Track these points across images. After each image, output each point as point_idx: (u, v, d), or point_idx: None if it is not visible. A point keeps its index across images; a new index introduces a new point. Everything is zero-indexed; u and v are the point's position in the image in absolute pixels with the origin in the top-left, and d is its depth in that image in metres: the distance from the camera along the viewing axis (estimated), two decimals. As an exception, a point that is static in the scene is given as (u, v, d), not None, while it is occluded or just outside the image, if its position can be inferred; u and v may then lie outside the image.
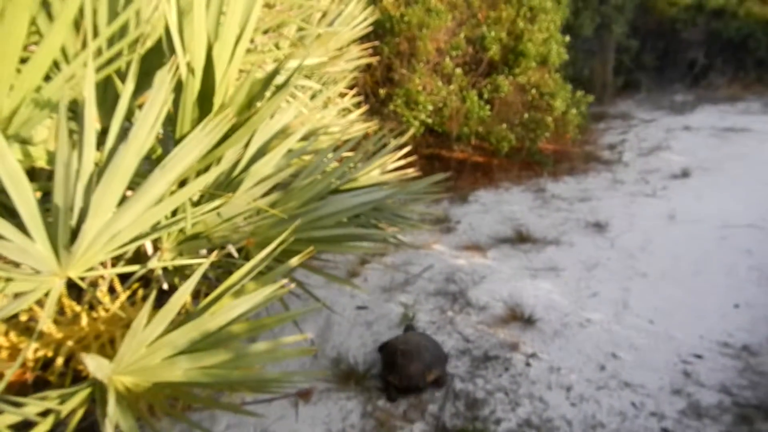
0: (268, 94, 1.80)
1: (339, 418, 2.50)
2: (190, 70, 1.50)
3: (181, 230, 1.89)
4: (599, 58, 9.43)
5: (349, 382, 2.68)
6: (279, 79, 3.19)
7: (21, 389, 1.90)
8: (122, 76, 1.65)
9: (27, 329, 1.89)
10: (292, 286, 1.53)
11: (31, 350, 1.84)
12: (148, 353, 1.50)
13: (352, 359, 2.87)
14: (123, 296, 1.95)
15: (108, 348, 1.93)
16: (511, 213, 5.01)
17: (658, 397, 2.48)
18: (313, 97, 3.38)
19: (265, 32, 3.10)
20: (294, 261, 1.77)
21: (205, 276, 2.04)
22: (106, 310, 1.96)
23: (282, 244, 1.72)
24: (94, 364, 1.33)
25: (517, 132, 5.87)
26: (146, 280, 2.06)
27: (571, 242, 4.25)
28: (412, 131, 4.89)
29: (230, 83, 1.66)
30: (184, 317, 1.61)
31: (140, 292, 2.02)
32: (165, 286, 2.05)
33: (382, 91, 5.60)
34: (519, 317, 3.13)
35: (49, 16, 1.58)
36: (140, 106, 2.04)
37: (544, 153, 6.39)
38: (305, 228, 2.23)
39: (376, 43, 5.07)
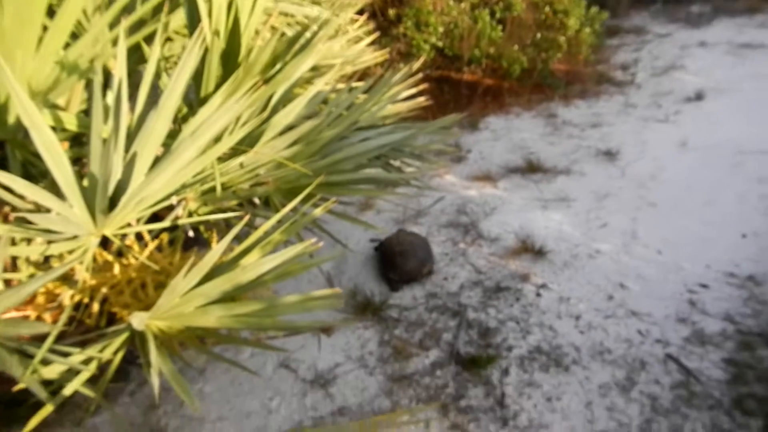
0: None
1: (358, 346, 2.64)
2: (215, 32, 1.49)
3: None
4: (615, -31, 9.01)
5: (366, 313, 2.81)
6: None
7: (60, 334, 2.02)
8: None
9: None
10: (321, 244, 1.58)
11: (68, 296, 1.93)
12: (182, 302, 1.58)
13: (368, 291, 2.98)
14: (151, 245, 2.02)
15: (140, 292, 2.02)
16: (521, 141, 4.99)
17: (663, 325, 2.59)
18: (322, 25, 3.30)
19: None
20: (318, 211, 1.83)
21: (227, 224, 2.10)
22: (136, 258, 2.04)
23: (308, 198, 1.77)
24: (137, 320, 1.41)
25: (529, 53, 5.73)
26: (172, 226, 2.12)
27: (582, 171, 4.27)
28: (422, 59, 4.80)
29: (251, 36, 1.64)
30: (215, 268, 1.68)
31: (166, 238, 2.09)
32: (191, 233, 2.12)
33: (391, 12, 5.43)
34: (530, 249, 3.22)
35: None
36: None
37: (555, 75, 6.26)
38: (325, 172, 2.27)
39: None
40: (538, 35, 5.70)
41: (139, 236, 2.03)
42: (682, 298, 2.77)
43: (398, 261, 3.05)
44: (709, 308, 2.67)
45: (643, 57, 7.40)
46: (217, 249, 1.48)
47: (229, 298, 1.67)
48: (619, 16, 9.26)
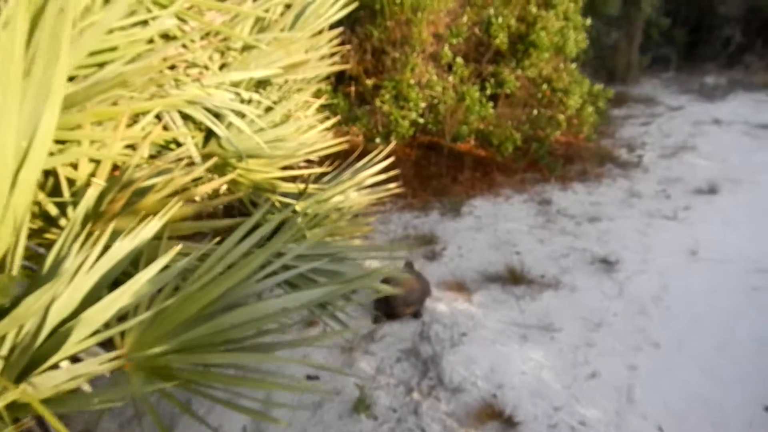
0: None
1: None
2: None
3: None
4: (625, 34, 8.53)
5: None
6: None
7: None
8: None
9: None
10: None
11: None
12: None
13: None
14: None
15: None
16: (507, 234, 4.37)
17: None
18: (268, 110, 2.73)
19: (206, 36, 2.44)
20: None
21: None
22: None
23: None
24: None
25: (524, 130, 5.16)
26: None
27: (573, 285, 3.63)
28: (403, 137, 4.24)
29: (21, 223, 1.05)
30: None
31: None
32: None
33: (368, 82, 4.89)
34: (497, 414, 2.55)
35: None
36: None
37: (553, 153, 5.68)
38: (205, 341, 1.68)
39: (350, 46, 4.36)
40: (535, 112, 5.14)
41: None
42: None
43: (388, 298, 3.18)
44: None
45: (651, 132, 6.85)
46: None
47: None
48: (628, 83, 8.77)
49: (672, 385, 2.74)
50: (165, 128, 2.44)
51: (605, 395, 2.68)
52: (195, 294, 1.68)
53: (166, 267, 1.51)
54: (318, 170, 2.90)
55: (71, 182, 1.84)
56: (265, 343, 1.82)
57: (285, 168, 2.84)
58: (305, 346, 1.89)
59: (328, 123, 3.04)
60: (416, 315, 3.35)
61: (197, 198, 2.08)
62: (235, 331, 1.70)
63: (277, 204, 2.75)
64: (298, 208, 2.73)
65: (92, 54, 1.89)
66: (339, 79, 5.27)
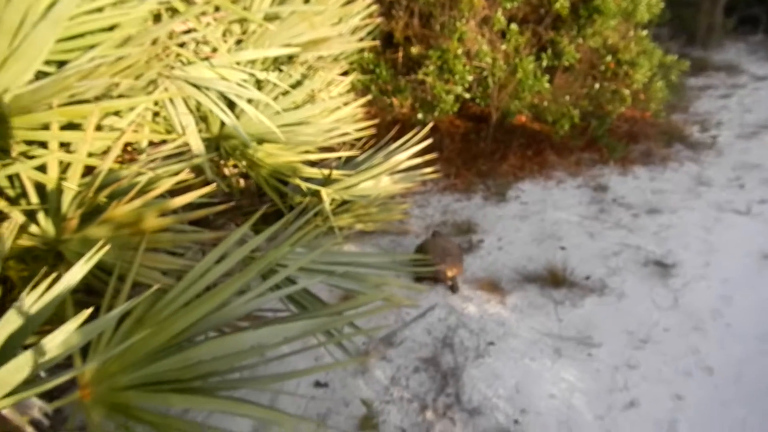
0: None
1: None
2: None
3: None
4: (710, -7, 7.68)
5: None
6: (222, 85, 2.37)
7: None
8: None
9: None
10: None
11: None
12: None
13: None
14: None
15: None
16: (554, 225, 4.01)
17: None
18: (288, 92, 2.49)
19: (215, 11, 2.20)
20: None
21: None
22: None
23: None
24: None
25: (583, 106, 4.70)
26: None
27: (621, 291, 3.27)
28: (433, 120, 3.90)
29: None
30: None
31: None
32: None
33: (414, 50, 4.53)
34: (516, 446, 2.31)
35: None
36: None
37: (615, 131, 5.17)
38: (172, 375, 1.52)
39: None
40: (596, 86, 4.65)
41: None
42: None
43: (430, 260, 3.25)
44: None
45: (731, 107, 6.18)
46: None
47: None
48: (710, 48, 7.94)
49: (723, 424, 2.41)
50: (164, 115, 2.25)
51: (644, 431, 2.38)
52: (164, 322, 1.51)
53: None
54: (346, 154, 2.66)
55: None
56: (243, 379, 1.64)
57: (320, 150, 2.63)
58: (287, 380, 1.69)
59: (361, 101, 2.79)
60: (455, 279, 3.34)
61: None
62: (206, 365, 1.52)
63: (305, 188, 2.54)
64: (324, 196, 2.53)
65: (73, 38, 1.69)
66: (386, 44, 4.93)
